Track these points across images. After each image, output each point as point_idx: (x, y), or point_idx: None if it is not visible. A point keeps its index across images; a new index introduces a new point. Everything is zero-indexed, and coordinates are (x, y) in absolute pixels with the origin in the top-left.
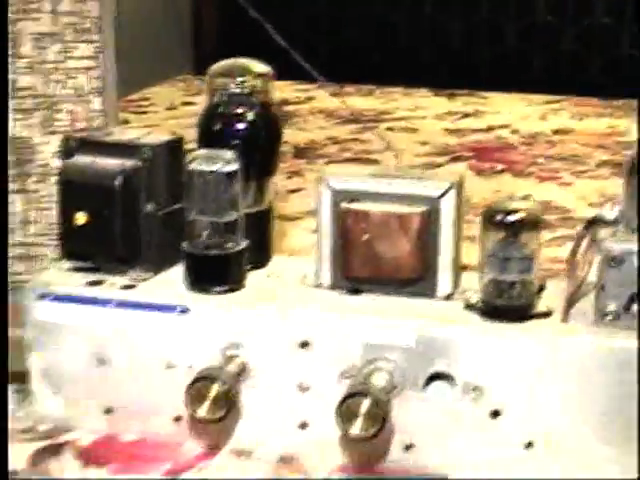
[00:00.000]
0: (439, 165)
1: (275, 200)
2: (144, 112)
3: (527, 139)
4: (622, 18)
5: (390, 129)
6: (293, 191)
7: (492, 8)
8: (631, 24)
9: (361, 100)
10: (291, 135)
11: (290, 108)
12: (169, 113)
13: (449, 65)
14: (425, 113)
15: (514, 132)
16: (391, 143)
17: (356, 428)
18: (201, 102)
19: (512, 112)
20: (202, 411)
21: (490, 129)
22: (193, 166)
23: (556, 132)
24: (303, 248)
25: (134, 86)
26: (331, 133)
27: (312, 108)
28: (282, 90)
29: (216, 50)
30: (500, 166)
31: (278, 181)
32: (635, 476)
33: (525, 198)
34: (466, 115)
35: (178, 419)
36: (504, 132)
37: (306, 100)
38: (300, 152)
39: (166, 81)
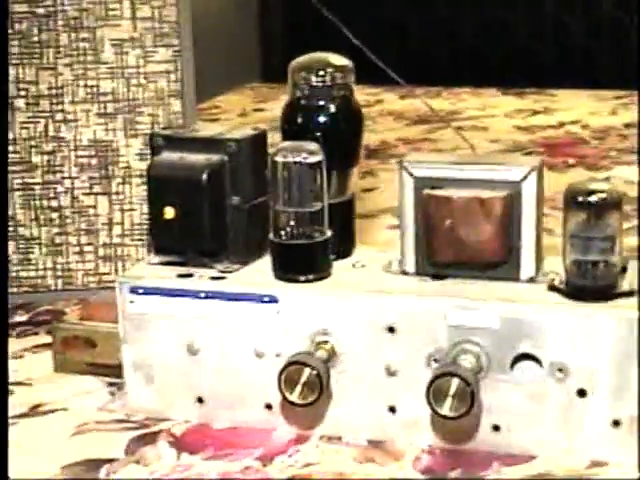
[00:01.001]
0: None
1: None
2: (216, 119)
3: (598, 133)
4: None
5: (460, 128)
6: (367, 190)
7: (557, 4)
8: None
9: (430, 102)
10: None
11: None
12: (241, 119)
13: (515, 65)
14: (494, 112)
15: (584, 127)
16: (466, 138)
17: (446, 408)
18: (271, 108)
19: (581, 108)
20: (294, 396)
21: (560, 125)
22: (278, 158)
23: (627, 126)
24: (382, 243)
25: (204, 95)
26: (401, 134)
27: (381, 110)
28: None
29: (283, 58)
30: (572, 160)
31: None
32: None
33: (606, 179)
34: (535, 112)
35: (269, 407)
36: (574, 128)
37: (375, 103)
38: (372, 153)
39: (235, 89)
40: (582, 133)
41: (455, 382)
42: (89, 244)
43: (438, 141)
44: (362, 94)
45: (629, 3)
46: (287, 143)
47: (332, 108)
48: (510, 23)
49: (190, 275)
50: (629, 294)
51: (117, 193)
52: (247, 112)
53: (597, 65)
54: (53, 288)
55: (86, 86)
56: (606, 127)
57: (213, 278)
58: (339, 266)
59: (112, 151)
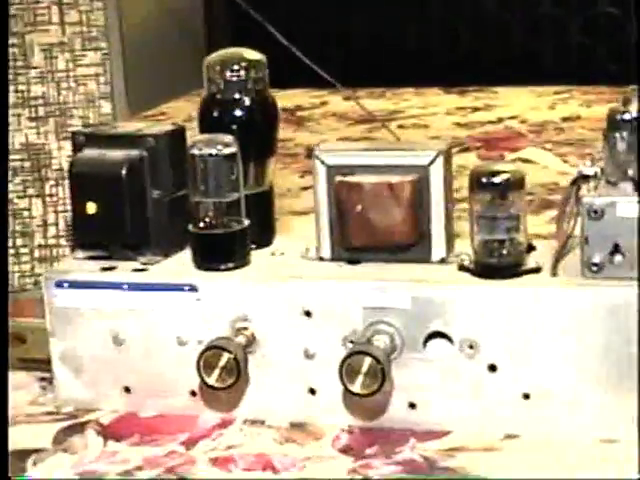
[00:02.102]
0: None
1: (288, 196)
2: None
3: (535, 127)
4: (626, 5)
5: (401, 127)
6: (305, 188)
7: (499, 3)
8: (638, 10)
9: (373, 102)
10: (304, 137)
11: (304, 113)
12: (187, 125)
13: (458, 64)
14: (436, 110)
15: (523, 122)
16: (401, 138)
17: (357, 386)
18: None
19: (521, 104)
20: (212, 379)
21: (499, 120)
22: (194, 151)
23: (565, 119)
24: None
25: (153, 102)
26: (343, 134)
27: (325, 112)
28: (297, 97)
29: None
30: (510, 155)
31: (292, 180)
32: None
33: (514, 161)
34: (476, 109)
35: (193, 393)
36: (513, 122)
37: (320, 105)
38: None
39: (183, 96)
40: (520, 128)
41: (367, 360)
42: (24, 246)
43: (378, 140)
44: (308, 97)
45: (567, 1)
46: (202, 136)
47: (247, 101)
48: (454, 24)
49: (113, 268)
50: (535, 271)
51: (51, 195)
52: (192, 118)
53: (538, 61)
54: None
55: (17, 91)
56: (544, 121)
57: (135, 270)
58: (258, 255)
59: (44, 154)
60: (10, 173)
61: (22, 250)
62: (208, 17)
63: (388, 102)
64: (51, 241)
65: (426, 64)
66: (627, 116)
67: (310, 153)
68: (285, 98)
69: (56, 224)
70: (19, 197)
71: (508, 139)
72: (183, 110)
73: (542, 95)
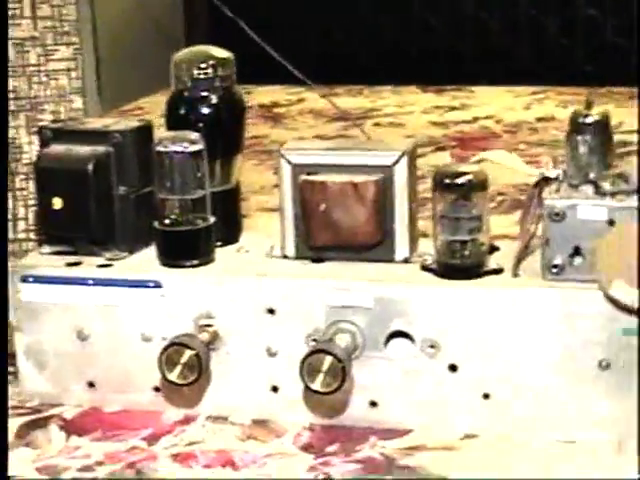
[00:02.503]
0: (421, 155)
1: (261, 193)
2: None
3: (510, 128)
4: (604, 8)
5: (378, 124)
6: (277, 185)
7: (477, 2)
8: (614, 13)
9: (351, 99)
10: (279, 134)
11: (281, 110)
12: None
13: (437, 63)
14: (412, 108)
15: (498, 122)
16: (372, 137)
17: (317, 384)
18: None
19: (498, 104)
20: (173, 375)
21: (475, 120)
22: (160, 147)
23: (539, 120)
24: None
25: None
26: (319, 131)
27: (302, 109)
28: (274, 93)
29: None
30: (475, 156)
31: (266, 177)
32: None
33: (480, 162)
34: (452, 108)
35: (157, 389)
36: (488, 122)
37: (296, 102)
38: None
39: (161, 91)
40: (495, 127)
41: (327, 359)
42: None
43: (353, 137)
44: (285, 93)
45: (546, 3)
46: (168, 133)
47: (214, 99)
48: (432, 23)
49: (79, 263)
50: (497, 272)
51: (21, 189)
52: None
53: (515, 61)
54: None
55: None
56: (519, 121)
57: (100, 266)
58: (224, 252)
59: (15, 148)
60: None
61: None
62: (186, 13)
63: (365, 100)
64: (21, 235)
65: (404, 63)
66: (589, 119)
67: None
68: (262, 94)
69: (26, 218)
70: None
71: (483, 139)
72: (160, 105)
73: (519, 95)
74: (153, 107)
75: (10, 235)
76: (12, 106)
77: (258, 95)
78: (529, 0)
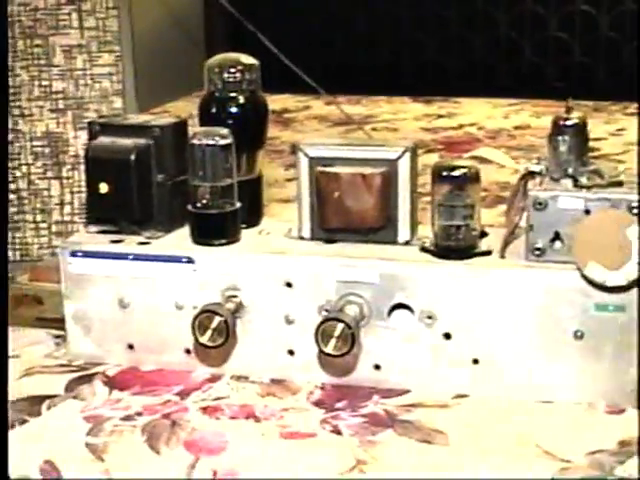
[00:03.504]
0: None
1: (275, 186)
2: None
3: (491, 134)
4: (573, 30)
5: (374, 129)
6: (289, 180)
7: (462, 24)
8: (582, 35)
9: (351, 107)
10: (289, 136)
11: (290, 115)
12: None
13: (426, 77)
14: (405, 116)
15: (480, 129)
16: (370, 135)
17: (330, 348)
18: None
19: (480, 113)
20: (204, 339)
21: (460, 127)
22: (194, 141)
23: (516, 128)
24: None
25: (157, 101)
26: (323, 134)
27: (308, 115)
28: (284, 101)
29: None
30: (466, 155)
31: (278, 172)
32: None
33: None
34: (440, 116)
35: (188, 351)
36: (472, 129)
37: (303, 109)
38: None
39: (184, 97)
40: (477, 133)
41: (339, 326)
42: (43, 221)
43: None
44: (293, 101)
45: (522, 25)
46: (202, 128)
47: (241, 99)
48: (423, 42)
49: (121, 241)
50: (486, 253)
51: (67, 178)
52: (192, 115)
53: (496, 77)
54: (12, 259)
55: (40, 86)
56: (499, 129)
57: (140, 243)
58: (248, 233)
59: (63, 142)
60: (32, 158)
61: (41, 225)
62: (208, 25)
63: (363, 108)
64: (66, 218)
65: (398, 76)
66: (569, 122)
67: (294, 149)
68: (274, 102)
69: (71, 203)
70: (40, 179)
71: (467, 143)
72: (183, 109)
73: (498, 106)
74: (177, 111)
75: (58, 217)
76: (60, 105)
77: (271, 102)
78: (508, 23)
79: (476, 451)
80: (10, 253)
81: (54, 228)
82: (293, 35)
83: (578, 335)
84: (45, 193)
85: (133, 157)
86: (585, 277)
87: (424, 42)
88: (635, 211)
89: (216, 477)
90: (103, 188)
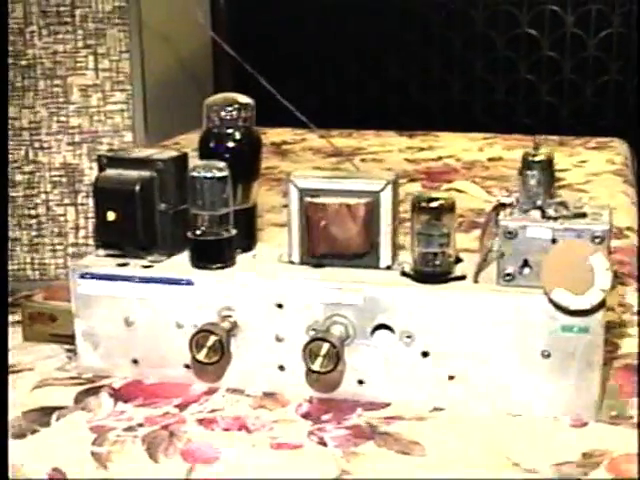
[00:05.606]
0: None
1: (272, 212)
2: None
3: (467, 165)
4: (540, 74)
5: (363, 160)
6: (286, 206)
7: (442, 67)
8: (549, 78)
9: (343, 140)
10: (286, 166)
11: (288, 147)
12: (195, 153)
13: (410, 112)
14: (390, 148)
15: (457, 160)
16: (360, 169)
17: (317, 365)
18: None
19: (457, 146)
20: (201, 356)
21: (439, 158)
22: (194, 173)
23: (490, 160)
24: None
25: (168, 135)
26: (317, 164)
27: (304, 147)
28: (283, 134)
29: None
30: (445, 185)
31: (275, 199)
32: None
33: (449, 190)
34: (422, 149)
35: (187, 366)
36: (450, 160)
37: (300, 141)
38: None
39: (194, 131)
40: (455, 164)
41: (325, 346)
42: (60, 244)
43: (343, 169)
44: (291, 134)
45: (495, 68)
46: (201, 162)
47: (237, 135)
48: (406, 82)
49: (127, 264)
50: (461, 278)
51: (82, 204)
52: None
53: (471, 113)
54: (31, 278)
55: (58, 121)
56: (474, 160)
57: (144, 267)
58: (242, 258)
59: (78, 172)
60: (50, 186)
61: (58, 247)
62: (214, 66)
63: (354, 140)
64: (81, 241)
65: (385, 112)
66: (537, 158)
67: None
68: (274, 134)
69: (85, 227)
70: (57, 205)
71: (445, 173)
72: (193, 141)
73: (473, 140)
74: (188, 143)
75: (73, 240)
76: (76, 138)
77: (271, 135)
78: (482, 66)
79: (450, 461)
80: (30, 272)
81: (70, 250)
82: (295, 76)
83: (545, 354)
84: (62, 218)
85: (138, 188)
86: (552, 301)
87: (409, 83)
88: (597, 240)
89: None
90: (110, 216)
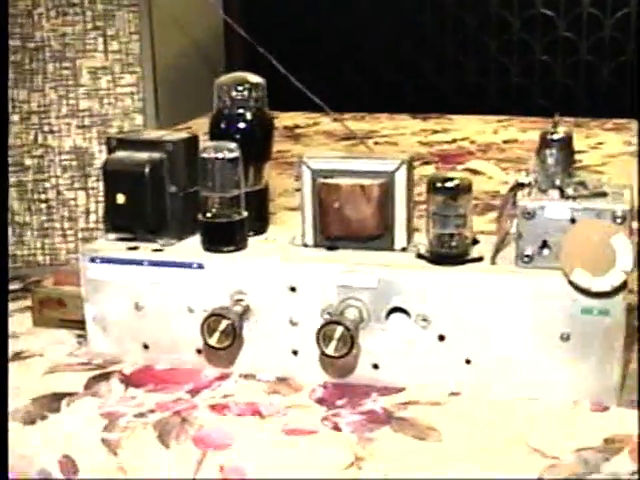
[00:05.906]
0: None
1: (284, 195)
2: None
3: (482, 147)
4: (556, 55)
5: (377, 143)
6: (298, 189)
7: (456, 50)
8: (564, 59)
9: (355, 123)
10: (299, 149)
11: (300, 131)
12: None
13: (424, 95)
14: (404, 131)
15: (472, 143)
16: (375, 152)
17: (331, 349)
18: None
19: (472, 129)
20: (213, 341)
21: (454, 141)
22: (204, 154)
23: (505, 142)
24: None
25: (179, 118)
26: (330, 147)
27: (317, 130)
28: (295, 118)
29: None
30: (460, 167)
31: (288, 182)
32: None
33: (465, 170)
34: (435, 132)
35: (199, 351)
36: (464, 143)
37: (312, 125)
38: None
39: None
40: (469, 147)
41: (339, 329)
42: (70, 228)
43: (358, 152)
44: (303, 118)
45: (510, 49)
46: (211, 143)
47: (248, 116)
48: (421, 64)
49: (137, 248)
50: (478, 260)
51: (92, 188)
52: None
53: (486, 96)
54: (42, 263)
55: (68, 104)
56: (489, 143)
57: (154, 250)
58: (254, 240)
59: (88, 155)
60: (60, 170)
61: (69, 232)
62: (226, 49)
63: (367, 124)
64: (92, 225)
65: (399, 95)
66: (555, 136)
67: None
68: (286, 118)
69: (96, 212)
70: (67, 189)
71: (460, 155)
72: (205, 126)
73: (488, 122)
74: (199, 127)
75: (83, 225)
76: (86, 122)
77: (283, 119)
78: (497, 49)
79: (467, 447)
80: (40, 258)
81: (80, 235)
82: (307, 59)
83: (565, 337)
84: (72, 203)
85: (148, 170)
86: (571, 283)
87: (423, 65)
88: (619, 221)
89: (222, 473)
90: (120, 199)
